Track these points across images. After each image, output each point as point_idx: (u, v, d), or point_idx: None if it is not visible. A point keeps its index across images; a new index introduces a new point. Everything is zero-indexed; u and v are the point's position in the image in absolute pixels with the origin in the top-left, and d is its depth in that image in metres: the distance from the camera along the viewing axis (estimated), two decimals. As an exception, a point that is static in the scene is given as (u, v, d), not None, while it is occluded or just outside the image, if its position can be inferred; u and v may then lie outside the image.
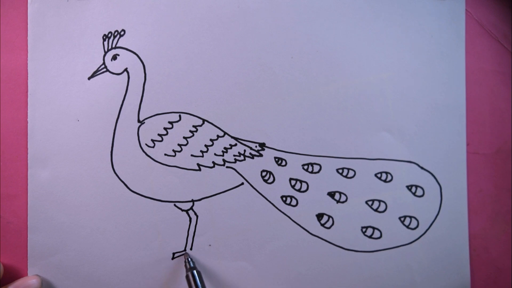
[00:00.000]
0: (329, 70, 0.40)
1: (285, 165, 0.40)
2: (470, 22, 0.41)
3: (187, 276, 0.37)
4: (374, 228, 0.41)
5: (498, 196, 0.42)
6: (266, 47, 0.40)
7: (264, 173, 0.40)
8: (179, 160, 0.40)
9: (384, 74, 0.41)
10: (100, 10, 0.39)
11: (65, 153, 0.39)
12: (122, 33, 0.39)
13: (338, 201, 0.41)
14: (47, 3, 0.39)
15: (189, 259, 0.39)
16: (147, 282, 0.40)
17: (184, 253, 0.40)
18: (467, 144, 0.42)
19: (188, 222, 0.40)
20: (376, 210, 0.41)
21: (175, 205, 0.40)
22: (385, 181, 0.41)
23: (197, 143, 0.40)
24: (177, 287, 0.40)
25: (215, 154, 0.40)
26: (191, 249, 0.40)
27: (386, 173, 0.41)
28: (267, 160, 0.40)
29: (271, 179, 0.41)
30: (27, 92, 0.39)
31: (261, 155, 0.40)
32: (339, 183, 0.41)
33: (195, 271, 0.37)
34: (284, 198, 0.41)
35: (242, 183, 0.40)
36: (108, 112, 0.39)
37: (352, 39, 0.40)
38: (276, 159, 0.40)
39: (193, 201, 0.40)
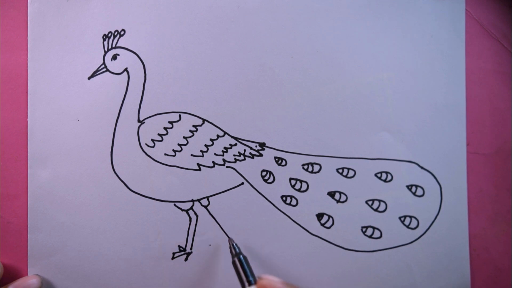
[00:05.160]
0: (329, 70, 0.40)
1: (285, 165, 0.41)
2: (470, 22, 0.41)
3: (233, 262, 0.36)
4: (374, 228, 0.41)
5: (498, 196, 0.42)
6: (266, 47, 0.40)
7: (264, 173, 0.40)
8: (179, 160, 0.40)
9: (384, 74, 0.41)
10: (100, 10, 0.39)
11: (65, 153, 0.39)
12: (122, 33, 0.39)
13: (338, 201, 0.41)
14: (47, 3, 0.39)
15: (235, 245, 0.38)
16: (147, 282, 0.40)
17: (228, 239, 0.40)
18: (467, 144, 0.42)
19: (188, 222, 0.40)
20: (376, 210, 0.41)
21: (175, 205, 0.40)
22: (385, 181, 0.41)
23: (197, 143, 0.40)
24: (177, 287, 0.40)
25: (215, 154, 0.40)
26: (191, 249, 0.40)
27: (386, 173, 0.41)
28: (267, 160, 0.40)
29: (271, 179, 0.41)
30: (27, 92, 0.39)
31: (261, 155, 0.40)
32: (339, 183, 0.41)
33: (241, 256, 0.36)
34: (284, 198, 0.41)
35: (242, 183, 0.40)
36: (108, 112, 0.39)
37: (352, 39, 0.40)
38: (276, 159, 0.40)
39: (193, 201, 0.40)
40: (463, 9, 0.41)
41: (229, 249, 0.39)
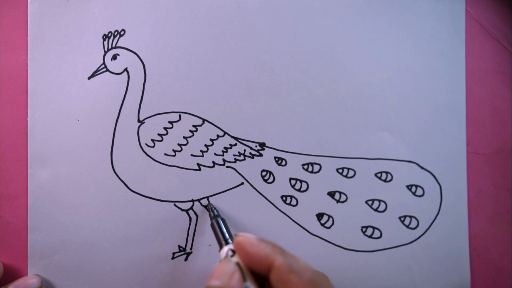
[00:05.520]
0: (329, 70, 0.40)
1: (285, 164, 0.41)
2: (470, 22, 0.41)
3: (212, 224, 0.37)
4: (374, 228, 0.41)
5: (498, 196, 0.42)
6: (266, 47, 0.40)
7: (264, 173, 0.40)
8: (179, 160, 0.40)
9: (384, 74, 0.41)
10: (100, 10, 0.39)
11: (65, 153, 0.39)
12: (122, 33, 0.39)
13: (338, 201, 0.41)
14: (47, 3, 0.39)
15: (213, 208, 0.39)
16: (147, 282, 0.40)
17: (207, 203, 0.40)
18: (467, 144, 0.42)
19: (188, 222, 0.40)
20: (376, 210, 0.41)
21: (175, 205, 0.40)
22: (385, 180, 0.41)
23: (197, 143, 0.40)
24: (177, 287, 0.40)
25: (215, 154, 0.40)
26: (191, 249, 0.40)
27: (386, 172, 0.41)
28: (267, 160, 0.40)
29: (271, 179, 0.41)
30: (27, 92, 0.39)
31: (261, 155, 0.40)
32: (339, 183, 0.41)
33: (219, 218, 0.37)
34: (284, 198, 0.41)
35: (242, 183, 0.40)
36: (108, 112, 0.39)
37: (352, 39, 0.40)
38: (276, 159, 0.40)
39: (193, 201, 0.40)
40: (463, 9, 0.41)
41: (208, 214, 0.40)
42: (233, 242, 0.31)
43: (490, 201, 0.42)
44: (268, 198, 0.41)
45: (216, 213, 0.38)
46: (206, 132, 0.40)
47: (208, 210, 0.40)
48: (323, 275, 0.30)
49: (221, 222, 0.36)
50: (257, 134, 0.40)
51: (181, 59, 0.40)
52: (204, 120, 0.40)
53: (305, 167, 0.41)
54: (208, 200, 0.40)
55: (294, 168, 0.41)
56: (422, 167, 0.41)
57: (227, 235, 0.35)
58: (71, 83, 0.39)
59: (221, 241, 0.34)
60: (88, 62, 0.39)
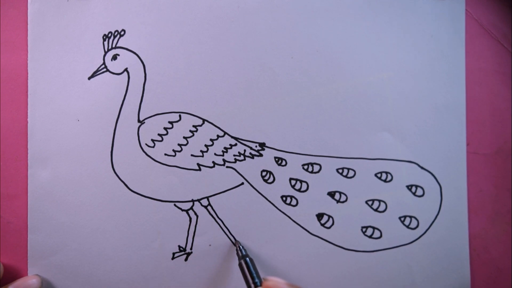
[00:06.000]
0: (329, 70, 0.40)
1: (285, 165, 0.41)
2: (470, 22, 0.41)
3: (240, 264, 0.37)
4: (374, 228, 0.41)
5: (498, 196, 0.42)
6: (266, 47, 0.40)
7: (264, 173, 0.40)
8: (179, 160, 0.40)
9: (384, 74, 0.41)
10: (100, 10, 0.39)
11: (65, 153, 0.39)
12: (122, 33, 0.39)
13: (338, 201, 0.41)
14: (47, 3, 0.39)
15: (241, 247, 0.39)
16: (147, 282, 0.40)
17: (235, 241, 0.40)
18: (467, 144, 0.42)
19: (188, 222, 0.40)
20: (376, 210, 0.41)
21: (175, 205, 0.40)
22: (385, 181, 0.41)
23: (197, 143, 0.40)
24: (177, 287, 0.40)
25: (215, 154, 0.40)
26: (191, 249, 0.40)
27: (386, 173, 0.41)
28: (267, 160, 0.40)
29: (271, 179, 0.41)
30: (27, 92, 0.39)
31: (261, 155, 0.40)
32: (339, 183, 0.41)
33: (248, 259, 0.37)
34: (284, 198, 0.41)
35: (242, 183, 0.40)
36: (108, 112, 0.39)
37: (352, 39, 0.40)
38: (276, 159, 0.40)
39: (193, 201, 0.40)
40: (463, 9, 0.41)
41: (235, 252, 0.39)
42: (261, 285, 0.31)
43: (490, 201, 0.42)
44: (268, 198, 0.41)
45: (244, 252, 0.38)
46: (206, 132, 0.40)
47: (236, 248, 0.39)
48: None
49: (249, 263, 0.36)
50: (257, 134, 0.40)
51: (181, 59, 0.40)
52: (204, 120, 0.40)
53: (305, 167, 0.41)
54: (234, 239, 0.40)
55: (294, 168, 0.41)
56: (422, 167, 0.41)
57: (256, 278, 0.35)
58: (71, 83, 0.39)
59: (250, 283, 0.34)
60: (88, 62, 0.39)
